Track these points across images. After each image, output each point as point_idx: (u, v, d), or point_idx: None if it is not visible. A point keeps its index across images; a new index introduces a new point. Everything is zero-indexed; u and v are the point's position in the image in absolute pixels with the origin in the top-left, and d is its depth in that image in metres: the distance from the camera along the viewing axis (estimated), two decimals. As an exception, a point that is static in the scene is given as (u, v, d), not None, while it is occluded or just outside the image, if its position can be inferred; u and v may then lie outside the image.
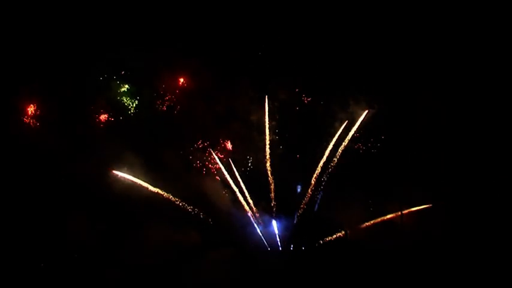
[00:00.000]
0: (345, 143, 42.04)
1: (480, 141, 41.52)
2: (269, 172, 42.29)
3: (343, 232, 41.63)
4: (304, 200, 42.06)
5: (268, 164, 42.43)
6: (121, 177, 41.42)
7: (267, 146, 42.57)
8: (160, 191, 41.55)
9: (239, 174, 42.24)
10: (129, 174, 41.42)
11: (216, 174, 42.88)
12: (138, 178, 41.47)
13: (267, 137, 42.69)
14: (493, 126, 41.60)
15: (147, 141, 42.98)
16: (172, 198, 41.71)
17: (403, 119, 42.53)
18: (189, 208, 41.93)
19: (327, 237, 41.95)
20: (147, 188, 41.43)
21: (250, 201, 42.07)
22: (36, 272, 39.91)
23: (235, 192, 42.14)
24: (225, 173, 42.20)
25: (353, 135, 42.18)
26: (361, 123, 42.16)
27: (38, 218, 40.59)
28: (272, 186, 42.18)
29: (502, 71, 41.71)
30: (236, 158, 42.82)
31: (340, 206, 41.17)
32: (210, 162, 43.00)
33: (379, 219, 41.24)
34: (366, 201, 41.58)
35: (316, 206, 42.10)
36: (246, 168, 42.97)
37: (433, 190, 40.99)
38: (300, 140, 43.25)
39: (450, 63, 42.47)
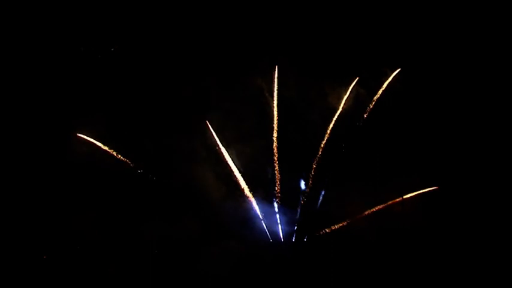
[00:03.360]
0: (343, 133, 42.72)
1: (477, 131, 42.33)
2: (275, 162, 42.50)
3: (344, 223, 41.77)
4: (306, 191, 42.34)
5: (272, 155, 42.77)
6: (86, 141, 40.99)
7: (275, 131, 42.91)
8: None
9: (239, 165, 42.48)
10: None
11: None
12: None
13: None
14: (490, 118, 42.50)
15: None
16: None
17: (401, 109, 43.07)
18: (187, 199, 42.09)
19: (328, 228, 42.08)
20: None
21: (250, 192, 42.25)
22: (39, 264, 39.82)
23: (235, 183, 42.26)
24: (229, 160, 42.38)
25: (352, 126, 42.78)
26: (361, 113, 42.84)
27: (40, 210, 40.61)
28: (275, 177, 42.36)
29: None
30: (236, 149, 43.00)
31: (341, 196, 41.57)
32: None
33: (380, 207, 41.53)
34: (366, 190, 41.78)
35: (319, 198, 42.37)
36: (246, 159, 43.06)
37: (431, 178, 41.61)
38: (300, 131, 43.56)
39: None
